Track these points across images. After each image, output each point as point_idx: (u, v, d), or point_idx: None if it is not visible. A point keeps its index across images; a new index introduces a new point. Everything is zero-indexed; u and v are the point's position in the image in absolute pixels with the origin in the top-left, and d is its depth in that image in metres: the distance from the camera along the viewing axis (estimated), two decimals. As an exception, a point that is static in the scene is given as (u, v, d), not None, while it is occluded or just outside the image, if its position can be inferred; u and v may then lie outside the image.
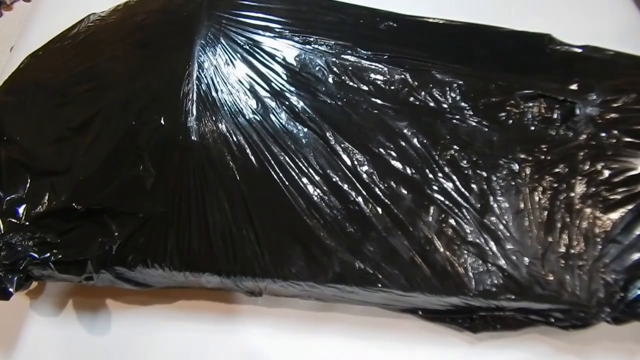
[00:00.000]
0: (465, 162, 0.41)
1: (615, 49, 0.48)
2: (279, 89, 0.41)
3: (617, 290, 0.39)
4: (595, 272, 0.39)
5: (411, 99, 0.43)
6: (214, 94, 0.40)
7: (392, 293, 0.39)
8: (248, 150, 0.39)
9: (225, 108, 0.39)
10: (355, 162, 0.40)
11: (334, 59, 0.43)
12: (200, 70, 0.40)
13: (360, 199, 0.39)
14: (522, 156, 0.42)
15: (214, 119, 0.39)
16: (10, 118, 0.43)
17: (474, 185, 0.40)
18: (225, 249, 0.38)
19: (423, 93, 0.43)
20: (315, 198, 0.39)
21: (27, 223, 0.39)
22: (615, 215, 0.41)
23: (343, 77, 0.42)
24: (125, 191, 0.39)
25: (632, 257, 0.40)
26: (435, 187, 0.40)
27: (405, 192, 0.40)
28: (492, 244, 0.39)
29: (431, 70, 0.43)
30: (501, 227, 0.40)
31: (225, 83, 0.40)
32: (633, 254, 0.40)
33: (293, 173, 0.39)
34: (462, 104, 0.43)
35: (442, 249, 0.39)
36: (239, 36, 0.42)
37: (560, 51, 0.47)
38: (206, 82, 0.40)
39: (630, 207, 0.41)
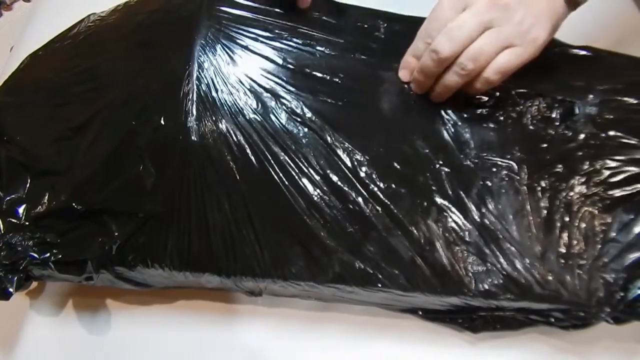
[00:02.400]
0: (464, 161, 0.41)
1: (615, 49, 0.48)
2: (279, 89, 0.41)
3: (617, 290, 0.39)
4: (595, 271, 0.39)
5: (411, 99, 0.43)
6: (214, 94, 0.40)
7: (392, 293, 0.39)
8: (248, 150, 0.39)
9: (225, 108, 0.39)
10: (355, 162, 0.40)
11: (334, 59, 0.43)
12: (200, 71, 0.40)
13: (360, 199, 0.39)
14: (521, 156, 0.42)
15: (214, 119, 0.39)
16: (10, 118, 0.43)
17: (473, 185, 0.40)
18: (225, 249, 0.38)
19: (426, 93, 0.43)
20: (315, 198, 0.39)
21: (27, 223, 0.39)
22: (614, 214, 0.41)
23: (344, 77, 0.42)
24: (125, 191, 0.39)
25: (632, 257, 0.40)
26: (434, 188, 0.40)
27: (405, 192, 0.40)
28: (491, 244, 0.39)
29: None
30: (500, 227, 0.40)
31: (225, 83, 0.40)
32: (633, 253, 0.40)
33: (293, 173, 0.39)
34: (462, 103, 0.43)
35: (442, 249, 0.39)
36: (239, 36, 0.42)
37: (559, 51, 0.47)
38: (206, 82, 0.40)
39: (630, 206, 0.41)
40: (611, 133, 0.43)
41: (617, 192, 0.41)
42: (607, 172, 0.41)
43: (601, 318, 0.40)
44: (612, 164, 0.42)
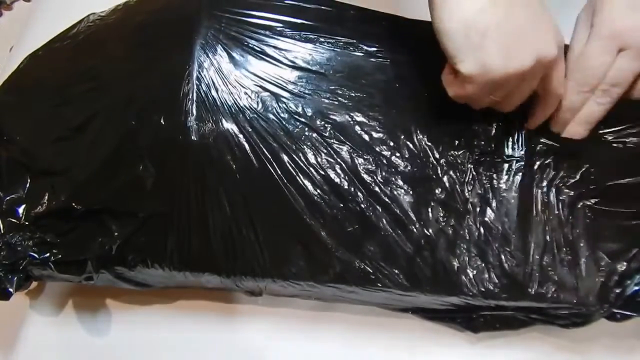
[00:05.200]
0: (467, 160, 0.41)
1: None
2: (279, 88, 0.41)
3: (615, 287, 0.39)
4: (594, 269, 0.39)
5: (414, 98, 0.43)
6: (214, 93, 0.40)
7: (392, 293, 0.39)
8: (248, 150, 0.39)
9: (225, 108, 0.39)
10: (356, 161, 0.40)
11: (335, 57, 0.43)
12: (200, 70, 0.40)
13: (360, 198, 0.39)
14: (524, 154, 0.42)
15: (214, 118, 0.39)
16: (10, 118, 0.43)
17: (475, 184, 0.40)
18: (225, 249, 0.38)
19: (426, 93, 0.43)
20: (316, 198, 0.39)
21: (27, 223, 0.39)
22: (612, 212, 0.41)
23: (345, 76, 0.42)
24: (125, 191, 0.39)
25: (629, 253, 0.40)
26: (436, 186, 0.40)
27: (406, 191, 0.40)
28: (492, 243, 0.39)
29: (435, 70, 0.43)
30: (501, 226, 0.40)
31: (225, 83, 0.40)
32: (630, 249, 0.40)
33: (293, 172, 0.39)
34: (465, 104, 0.43)
35: (442, 249, 0.39)
36: (239, 35, 0.42)
37: None
38: (206, 82, 0.40)
39: (628, 204, 0.41)
40: (611, 131, 0.43)
41: (618, 191, 0.41)
42: (607, 171, 0.41)
43: (600, 315, 0.40)
44: (613, 162, 0.42)
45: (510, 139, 0.42)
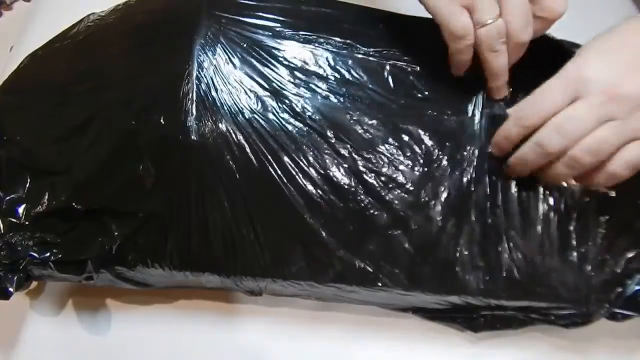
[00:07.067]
0: (468, 159, 0.41)
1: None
2: (279, 88, 0.41)
3: (616, 286, 0.39)
4: (595, 269, 0.39)
5: (414, 97, 0.43)
6: (213, 93, 0.40)
7: (393, 292, 0.39)
8: (248, 150, 0.39)
9: (225, 108, 0.39)
10: (357, 161, 0.40)
11: (335, 57, 0.43)
12: (200, 70, 0.40)
13: (360, 197, 0.39)
14: None
15: (214, 118, 0.39)
16: (10, 118, 0.43)
17: (476, 183, 0.40)
18: (225, 248, 0.38)
19: (426, 91, 0.43)
20: (316, 197, 0.39)
21: (27, 223, 0.39)
22: (613, 211, 0.41)
23: (344, 75, 0.42)
24: (125, 191, 0.39)
25: (630, 253, 0.40)
26: (437, 186, 0.40)
27: (406, 190, 0.40)
28: (493, 242, 0.39)
29: (434, 68, 0.43)
30: (502, 225, 0.40)
31: (225, 83, 0.40)
32: (631, 249, 0.40)
33: (293, 172, 0.39)
34: (465, 102, 0.43)
35: (443, 248, 0.39)
36: (239, 36, 0.42)
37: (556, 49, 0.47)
38: (206, 81, 0.40)
39: (628, 203, 0.41)
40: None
41: (618, 190, 0.41)
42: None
43: (600, 315, 0.40)
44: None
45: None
